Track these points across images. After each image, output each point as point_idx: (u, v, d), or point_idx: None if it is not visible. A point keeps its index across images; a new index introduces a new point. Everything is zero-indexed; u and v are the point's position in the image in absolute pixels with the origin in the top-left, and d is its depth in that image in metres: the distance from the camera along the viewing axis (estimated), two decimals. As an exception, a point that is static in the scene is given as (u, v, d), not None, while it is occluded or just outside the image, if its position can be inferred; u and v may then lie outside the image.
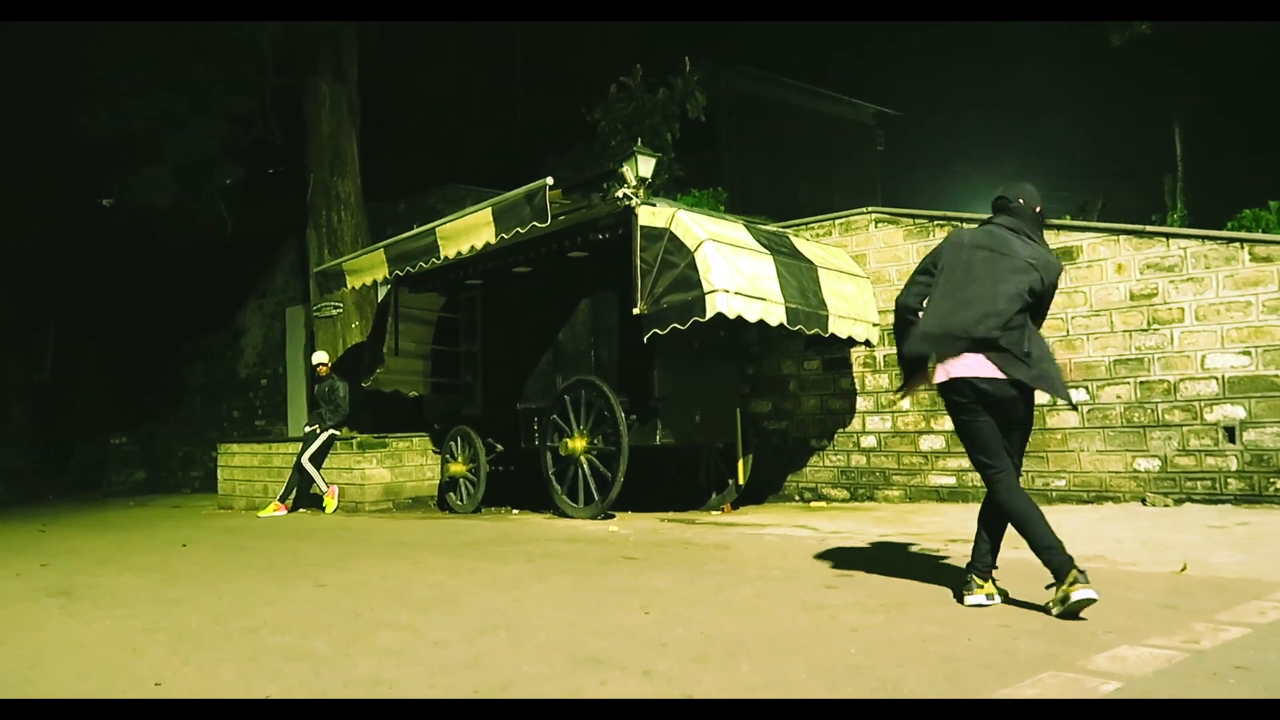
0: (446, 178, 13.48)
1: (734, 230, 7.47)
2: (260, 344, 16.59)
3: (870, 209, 9.12)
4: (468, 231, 7.82)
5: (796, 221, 9.56)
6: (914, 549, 5.52)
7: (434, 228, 8.27)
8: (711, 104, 12.96)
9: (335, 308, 11.97)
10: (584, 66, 14.09)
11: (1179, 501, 7.12)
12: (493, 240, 7.63)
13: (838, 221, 9.22)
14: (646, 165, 7.92)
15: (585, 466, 8.16)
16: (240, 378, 16.98)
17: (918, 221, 8.74)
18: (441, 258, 8.23)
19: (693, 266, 6.94)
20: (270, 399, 16.40)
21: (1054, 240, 7.78)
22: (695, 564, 5.20)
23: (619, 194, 7.47)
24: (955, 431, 3.94)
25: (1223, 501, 6.94)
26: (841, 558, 5.21)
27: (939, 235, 8.50)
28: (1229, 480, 6.94)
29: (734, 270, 6.96)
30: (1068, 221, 8.23)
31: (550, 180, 7.16)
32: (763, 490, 9.48)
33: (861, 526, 6.82)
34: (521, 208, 7.31)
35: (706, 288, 6.83)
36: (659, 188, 12.08)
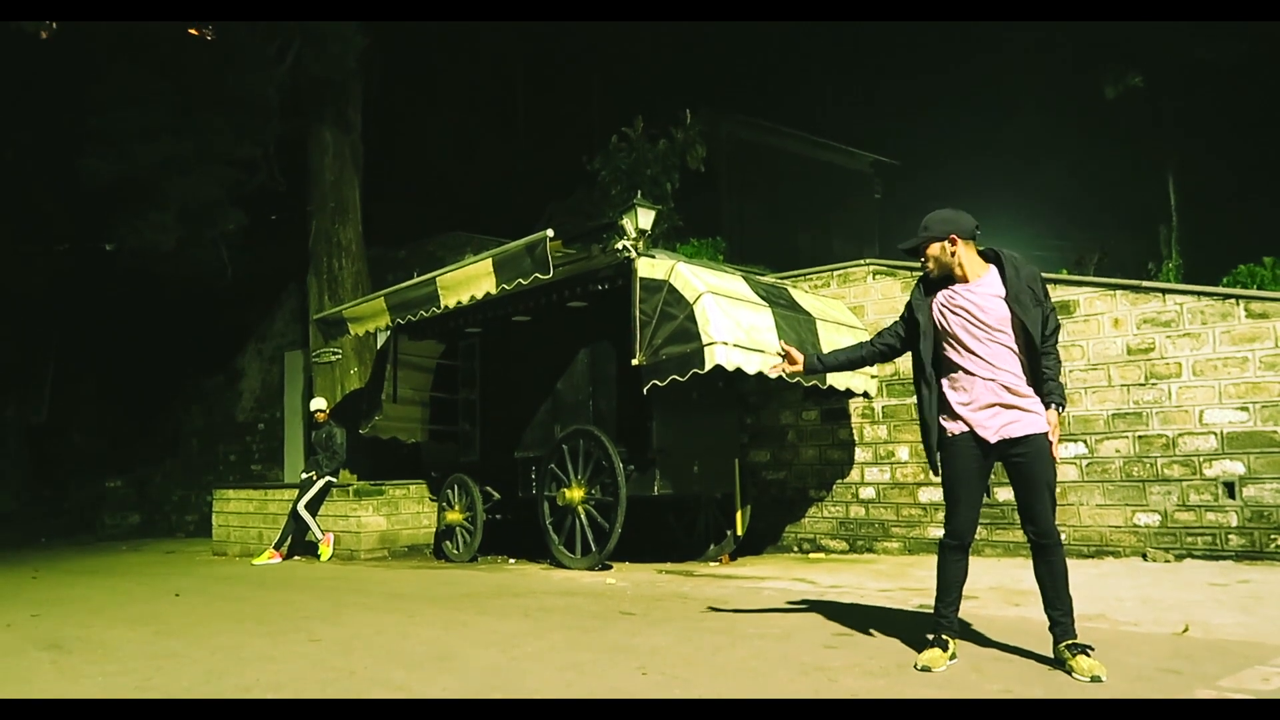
0: (448, 225, 13.58)
1: (733, 282, 7.52)
2: (258, 388, 16.58)
3: (868, 261, 9.18)
4: (468, 281, 7.86)
5: (795, 273, 9.63)
6: (913, 606, 5.47)
7: (434, 277, 8.32)
8: (711, 153, 13.11)
9: (334, 354, 11.98)
10: (585, 115, 14.28)
11: (1180, 557, 7.08)
12: (493, 290, 7.67)
13: (836, 273, 9.28)
14: (646, 217, 7.99)
15: (583, 517, 8.12)
16: (237, 421, 16.94)
17: (915, 274, 8.79)
18: (442, 307, 8.27)
19: (691, 319, 6.97)
20: (267, 443, 16.33)
21: (1051, 294, 7.81)
22: (693, 620, 5.15)
23: (618, 245, 7.53)
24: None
25: (1224, 558, 6.91)
26: (841, 615, 5.16)
27: (937, 287, 8.54)
28: (1230, 536, 6.91)
29: (732, 323, 6.98)
30: (1064, 276, 8.29)
31: (551, 232, 7.22)
32: (761, 541, 9.42)
33: (860, 581, 6.77)
34: (522, 259, 7.36)
35: (705, 340, 6.85)
36: (658, 238, 12.18)
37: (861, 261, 9.22)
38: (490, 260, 7.65)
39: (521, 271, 7.37)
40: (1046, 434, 3.78)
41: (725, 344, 6.84)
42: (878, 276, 9.00)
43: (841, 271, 9.26)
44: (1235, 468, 6.91)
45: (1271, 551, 6.72)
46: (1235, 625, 4.63)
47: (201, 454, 17.56)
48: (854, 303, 9.05)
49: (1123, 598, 5.54)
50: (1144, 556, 7.22)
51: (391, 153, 13.42)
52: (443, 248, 13.27)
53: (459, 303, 8.10)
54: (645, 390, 7.30)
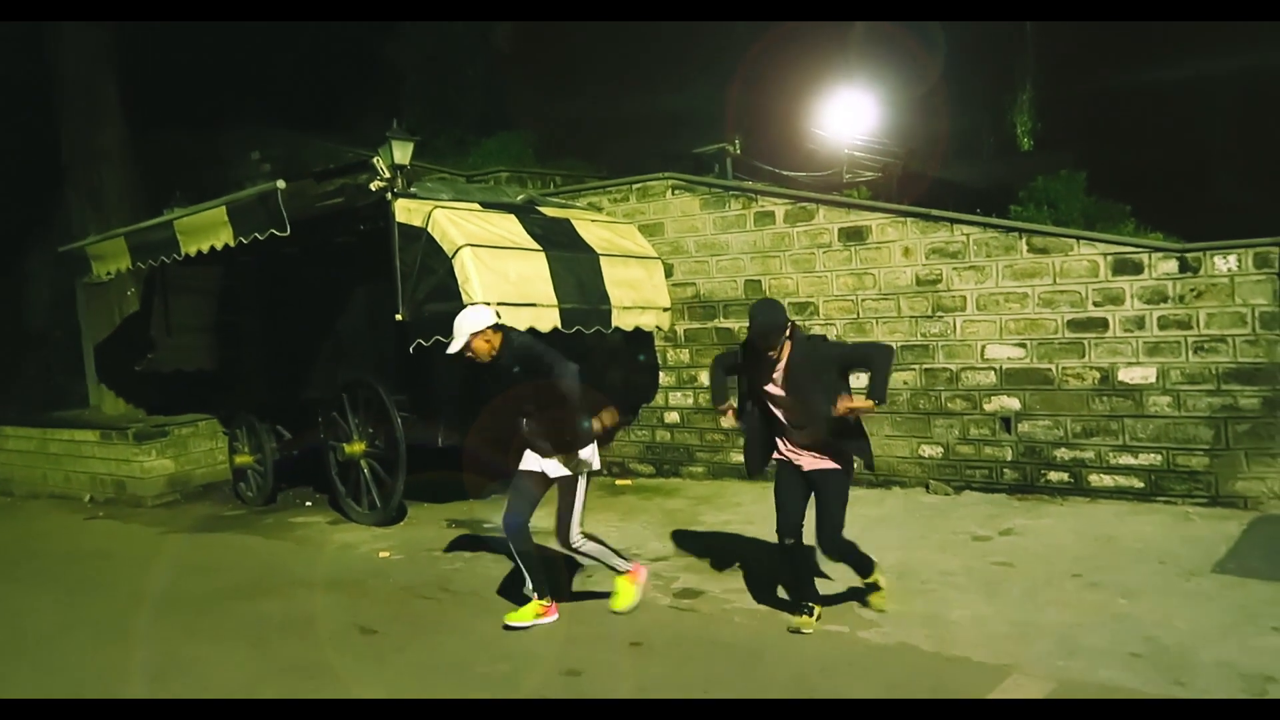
0: (234, 117, 12.21)
1: (501, 226, 6.86)
2: (49, 295, 15.10)
3: (668, 175, 8.64)
4: (205, 230, 6.97)
5: (593, 185, 9.03)
6: (669, 597, 5.28)
7: (171, 221, 7.36)
8: (517, 31, 11.98)
9: (107, 274, 10.78)
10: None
11: (959, 489, 7.14)
12: (231, 242, 6.82)
13: (635, 186, 8.72)
14: (402, 151, 7.16)
15: (366, 471, 7.66)
16: (32, 331, 15.50)
17: (714, 191, 8.30)
18: (182, 253, 7.35)
19: (451, 274, 6.36)
20: (67, 354, 15.03)
21: (844, 219, 7.50)
22: (430, 642, 4.84)
23: (373, 186, 6.74)
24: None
25: (999, 490, 6.99)
26: (593, 621, 4.93)
27: (735, 206, 8.11)
28: (1005, 470, 6.98)
29: (497, 277, 6.41)
30: (857, 200, 7.94)
31: (282, 184, 6.35)
32: (570, 467, 9.16)
33: (643, 540, 6.59)
34: (256, 210, 6.51)
35: (466, 299, 6.27)
36: (465, 133, 11.26)
37: (661, 175, 8.65)
38: (224, 208, 6.76)
39: (257, 225, 6.53)
40: None
41: (489, 304, 6.25)
42: (677, 192, 8.46)
43: (641, 185, 8.69)
44: (1012, 403, 6.90)
45: (1041, 485, 6.82)
46: (970, 623, 4.58)
47: (-5, 366, 16.09)
48: (653, 219, 8.54)
49: (882, 568, 5.45)
50: (927, 488, 7.26)
51: (162, 37, 11.76)
52: (228, 143, 12.00)
53: (200, 251, 7.19)
54: (410, 349, 6.71)
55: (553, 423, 4.69)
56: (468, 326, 4.69)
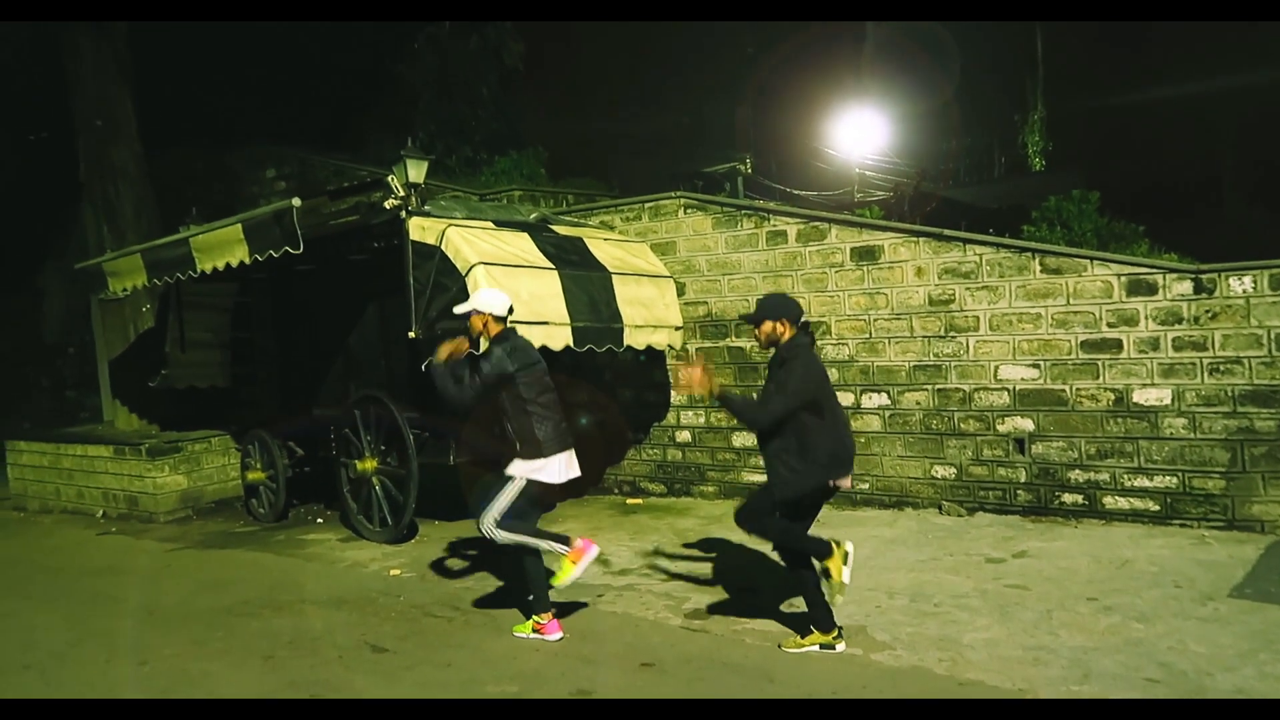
0: (248, 133, 12.31)
1: (514, 244, 6.88)
2: (63, 310, 15.22)
3: (680, 194, 8.67)
4: (220, 247, 7.01)
5: (605, 203, 9.07)
6: (680, 617, 5.26)
7: (187, 238, 7.41)
8: (530, 48, 12.05)
9: (123, 289, 10.86)
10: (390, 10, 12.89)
11: (972, 510, 7.10)
12: (246, 259, 6.86)
13: (647, 205, 8.74)
14: (416, 170, 7.20)
15: (378, 488, 7.66)
16: (45, 345, 15.61)
17: (726, 210, 8.32)
18: (198, 270, 7.40)
19: (465, 292, 6.35)
20: (80, 369, 15.14)
21: (856, 239, 7.50)
22: (437, 663, 4.82)
23: (387, 204, 6.77)
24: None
25: (1012, 511, 6.94)
26: (604, 639, 4.91)
27: (747, 225, 8.12)
28: (1018, 492, 6.93)
29: (510, 295, 6.39)
30: (870, 219, 7.94)
31: (298, 201, 6.39)
32: (583, 483, 9.14)
33: (656, 556, 6.57)
34: (271, 228, 6.55)
35: (480, 319, 6.26)
36: (477, 151, 11.29)
37: (673, 194, 8.68)
38: (240, 226, 6.81)
39: (272, 242, 6.57)
40: None
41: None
42: (689, 211, 8.48)
43: (653, 204, 8.71)
44: (1025, 424, 6.86)
45: (1055, 507, 6.77)
46: (982, 644, 4.54)
47: (11, 379, 16.18)
48: (665, 238, 8.56)
49: (895, 590, 5.44)
50: (940, 509, 7.21)
51: (175, 54, 11.89)
52: (241, 160, 12.08)
53: (215, 268, 7.24)
54: (423, 367, 6.71)
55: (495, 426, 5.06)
56: (480, 300, 5.02)
